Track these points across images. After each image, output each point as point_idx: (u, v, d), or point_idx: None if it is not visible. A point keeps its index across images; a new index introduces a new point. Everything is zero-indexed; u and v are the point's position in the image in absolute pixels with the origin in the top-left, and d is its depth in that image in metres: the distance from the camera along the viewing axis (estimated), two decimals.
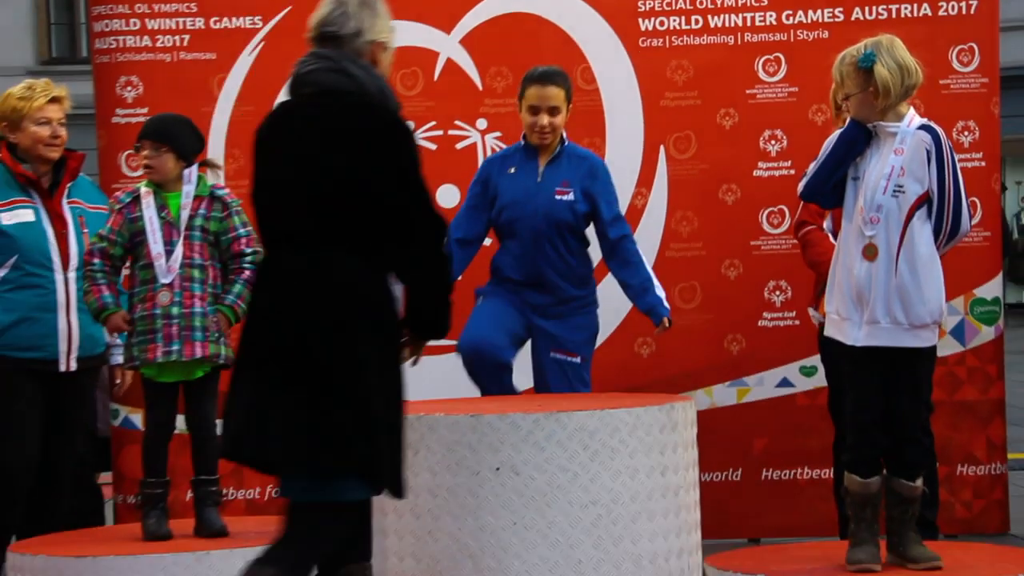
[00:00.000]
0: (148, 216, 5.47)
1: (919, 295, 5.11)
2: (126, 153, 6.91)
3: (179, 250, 5.46)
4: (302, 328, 4.09)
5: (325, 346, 4.09)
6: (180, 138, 5.60)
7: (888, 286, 5.09)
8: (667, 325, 6.19)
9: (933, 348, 5.26)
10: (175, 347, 5.42)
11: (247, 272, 5.52)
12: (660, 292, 6.21)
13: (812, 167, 5.30)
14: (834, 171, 5.21)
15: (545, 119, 6.14)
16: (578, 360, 6.22)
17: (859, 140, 5.16)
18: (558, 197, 6.15)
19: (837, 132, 5.25)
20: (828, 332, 5.30)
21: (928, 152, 5.14)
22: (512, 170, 6.22)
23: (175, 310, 5.42)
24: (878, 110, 5.12)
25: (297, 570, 4.16)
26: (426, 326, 4.32)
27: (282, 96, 4.61)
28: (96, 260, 5.45)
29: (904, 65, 5.08)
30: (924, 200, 5.12)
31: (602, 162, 6.36)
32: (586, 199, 6.17)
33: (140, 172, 6.54)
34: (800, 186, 5.36)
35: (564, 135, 6.27)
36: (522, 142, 6.29)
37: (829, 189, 5.26)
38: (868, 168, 5.16)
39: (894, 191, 5.10)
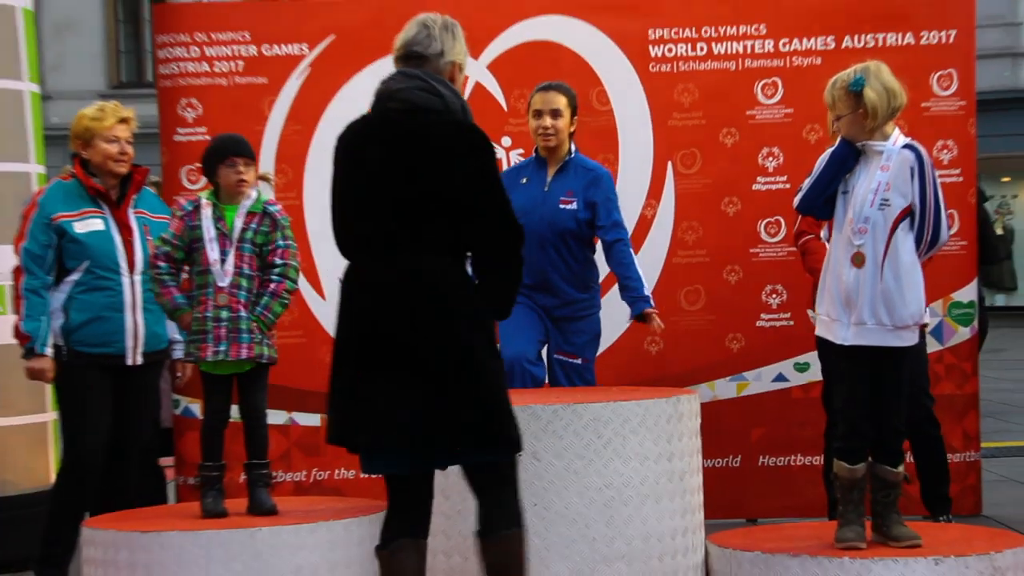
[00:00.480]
0: (206, 226, 5.47)
1: (902, 299, 5.10)
2: (186, 168, 6.95)
3: (231, 260, 5.47)
4: (417, 325, 4.07)
5: (444, 339, 4.08)
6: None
7: (874, 291, 5.08)
8: (652, 319, 6.12)
9: (915, 347, 5.25)
10: (223, 347, 5.42)
11: (273, 284, 5.51)
12: (646, 291, 6.15)
13: (807, 182, 5.29)
14: (827, 186, 5.20)
15: (548, 120, 6.13)
16: (579, 362, 6.21)
17: (849, 158, 5.15)
18: (562, 206, 6.14)
19: (829, 150, 5.24)
20: (819, 332, 5.29)
21: (912, 169, 5.12)
22: (524, 180, 6.20)
23: (224, 313, 5.42)
24: (867, 130, 5.11)
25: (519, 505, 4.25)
26: (498, 317, 4.33)
27: (350, 108, 4.55)
28: (162, 263, 5.44)
29: (891, 88, 5.07)
30: (907, 213, 5.11)
31: (607, 173, 6.32)
32: (588, 207, 6.15)
33: (200, 184, 6.60)
34: (796, 199, 5.35)
35: (574, 147, 6.24)
36: (535, 155, 6.29)
37: (822, 203, 5.25)
38: (857, 183, 5.15)
39: (881, 204, 5.08)
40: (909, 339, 5.17)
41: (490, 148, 4.22)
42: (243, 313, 5.44)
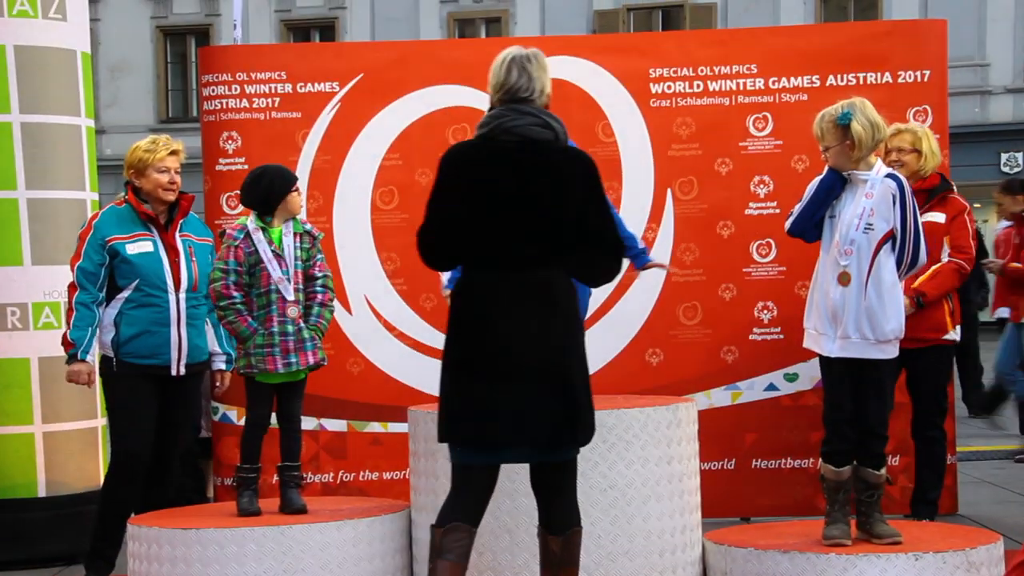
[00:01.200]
0: (262, 249, 5.45)
1: (884, 315, 5.07)
2: (227, 194, 6.93)
3: (291, 276, 5.47)
4: (537, 332, 4.20)
5: (563, 346, 4.24)
6: None
7: (859, 307, 5.05)
8: (657, 265, 5.90)
9: (894, 360, 5.20)
10: (293, 359, 5.42)
11: (319, 295, 5.54)
12: (640, 245, 5.86)
13: (797, 208, 5.25)
14: (816, 212, 5.18)
15: None
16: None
17: (836, 185, 5.12)
18: None
19: (818, 178, 5.20)
20: (807, 344, 5.25)
21: (893, 196, 5.11)
22: None
23: (291, 327, 5.42)
24: (853, 160, 5.09)
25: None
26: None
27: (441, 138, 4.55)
28: (236, 293, 5.41)
29: (875, 122, 5.06)
30: (889, 236, 5.08)
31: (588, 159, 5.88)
32: None
33: (239, 210, 6.59)
34: (787, 223, 5.32)
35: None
36: None
37: (811, 226, 5.21)
38: (843, 208, 5.13)
39: (865, 228, 5.06)
40: (890, 352, 5.13)
41: (596, 170, 4.33)
42: (301, 324, 5.44)
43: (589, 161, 4.33)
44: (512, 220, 4.21)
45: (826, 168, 5.16)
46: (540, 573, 4.43)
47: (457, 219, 4.24)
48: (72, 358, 5.63)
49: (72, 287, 5.66)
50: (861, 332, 5.06)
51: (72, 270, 5.67)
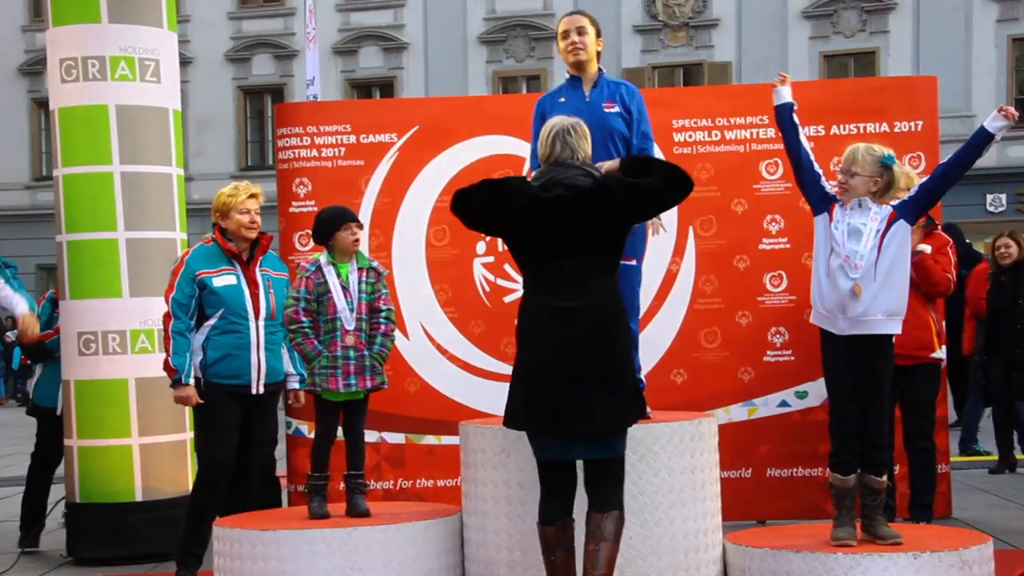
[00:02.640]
0: (331, 281, 5.46)
1: (890, 292, 5.04)
2: (299, 233, 6.96)
3: (355, 307, 5.47)
4: (596, 338, 4.41)
5: (618, 347, 4.46)
6: None
7: (868, 295, 5.01)
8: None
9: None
10: (352, 381, 5.42)
11: (383, 326, 5.53)
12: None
13: None
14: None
15: (575, 36, 5.38)
16: (634, 263, 5.40)
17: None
18: (607, 110, 5.37)
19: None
20: (814, 320, 5.17)
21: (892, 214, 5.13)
22: (562, 99, 5.42)
23: (352, 352, 5.42)
24: (870, 193, 5.05)
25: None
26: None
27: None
28: (304, 319, 5.42)
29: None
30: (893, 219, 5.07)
31: (635, 87, 5.63)
32: (627, 113, 5.42)
33: (309, 247, 6.61)
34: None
35: (601, 68, 5.50)
36: (567, 77, 5.52)
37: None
38: (847, 227, 5.06)
39: (873, 247, 5.03)
40: (895, 327, 5.07)
41: (619, 180, 4.53)
42: (364, 351, 5.44)
43: (618, 181, 4.51)
44: (572, 250, 4.43)
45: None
46: (585, 546, 4.53)
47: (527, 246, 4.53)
48: (176, 383, 5.62)
49: (167, 317, 5.68)
50: (869, 312, 5.01)
51: (167, 301, 5.69)
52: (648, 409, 4.91)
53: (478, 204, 4.51)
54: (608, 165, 5.01)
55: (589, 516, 4.53)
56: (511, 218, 4.49)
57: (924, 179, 5.23)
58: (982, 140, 5.12)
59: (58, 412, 6.89)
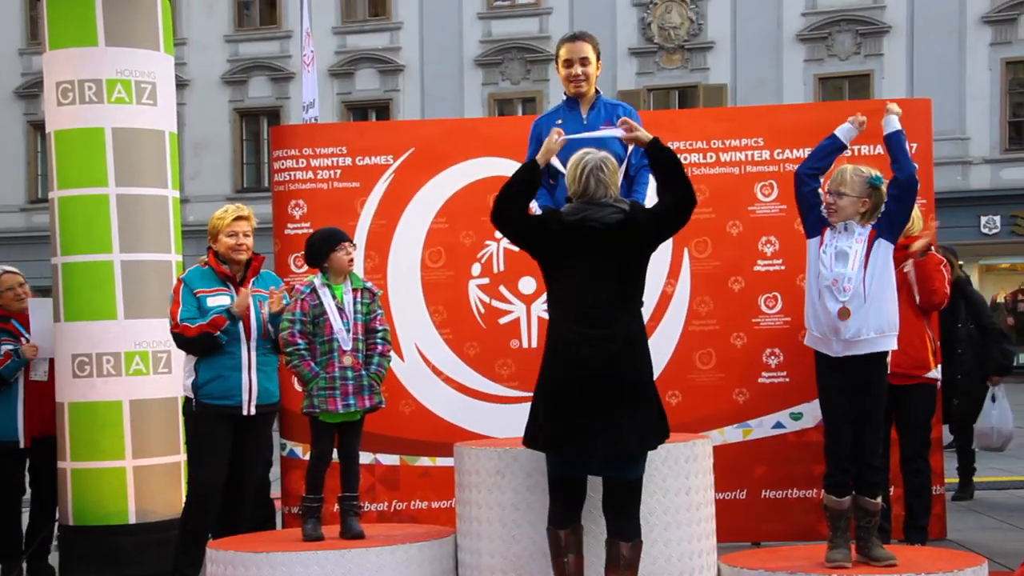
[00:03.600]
0: (327, 303, 5.47)
1: (880, 309, 5.09)
2: (294, 255, 6.96)
3: (351, 328, 5.46)
4: (621, 358, 4.58)
5: (642, 375, 4.66)
6: None
7: (858, 315, 5.03)
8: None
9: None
10: (351, 401, 5.43)
11: (379, 347, 5.55)
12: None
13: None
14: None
15: (578, 68, 5.39)
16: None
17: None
18: (604, 134, 5.22)
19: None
20: (809, 342, 5.20)
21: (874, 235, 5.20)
22: (560, 122, 5.37)
23: (350, 373, 5.42)
24: (857, 215, 5.09)
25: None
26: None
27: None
28: (300, 341, 5.43)
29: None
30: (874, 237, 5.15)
31: (632, 108, 5.65)
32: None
33: (304, 269, 6.60)
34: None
35: (598, 89, 5.55)
36: (564, 99, 5.53)
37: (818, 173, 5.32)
38: (835, 251, 5.09)
39: (860, 267, 5.07)
40: (891, 343, 5.09)
41: (646, 215, 4.73)
42: (362, 371, 5.43)
43: (642, 210, 4.75)
44: (604, 285, 4.63)
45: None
46: (607, 573, 4.66)
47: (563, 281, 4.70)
48: (222, 320, 5.63)
49: (176, 329, 5.68)
50: (861, 333, 5.03)
51: (173, 317, 5.72)
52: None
53: (516, 230, 4.78)
54: (636, 135, 4.90)
55: (611, 543, 4.66)
56: (546, 244, 4.71)
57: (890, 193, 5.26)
58: (838, 148, 5.36)
59: (21, 445, 6.80)
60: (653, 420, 4.67)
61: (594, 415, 4.54)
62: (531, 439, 4.71)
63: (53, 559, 6.92)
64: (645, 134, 4.90)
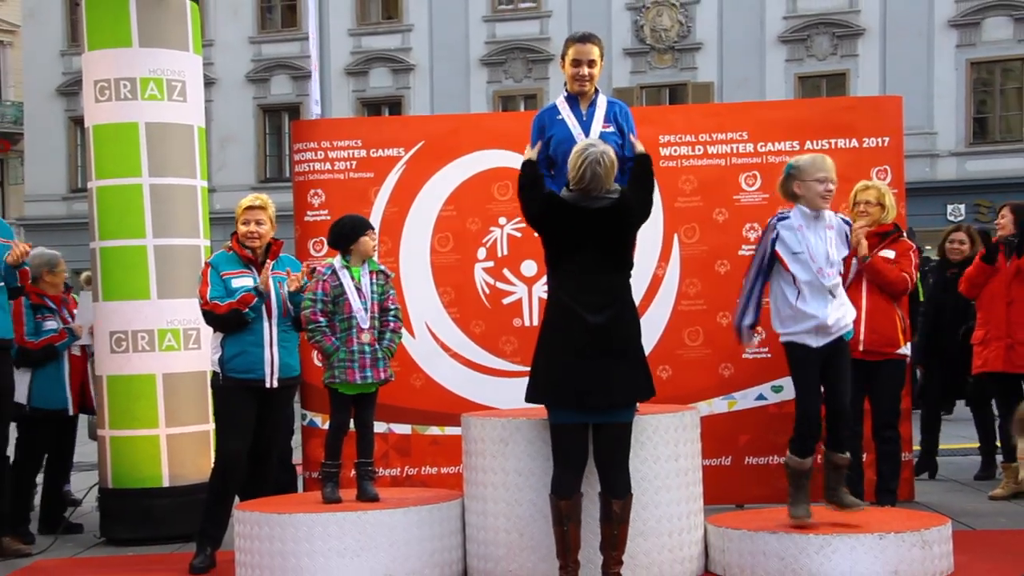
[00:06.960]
0: (347, 284, 5.47)
1: (849, 310, 5.20)
2: (313, 240, 6.96)
3: (368, 307, 5.46)
4: (614, 319, 4.63)
5: (632, 332, 4.71)
6: None
7: (839, 310, 5.06)
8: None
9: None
10: (368, 373, 5.43)
11: (392, 324, 5.56)
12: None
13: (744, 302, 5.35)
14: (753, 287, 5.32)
15: (585, 70, 5.31)
16: None
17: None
18: (603, 130, 5.31)
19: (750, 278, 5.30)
20: (788, 339, 5.21)
21: (845, 234, 5.28)
22: (560, 116, 5.36)
23: (367, 348, 5.43)
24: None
25: None
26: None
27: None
28: (322, 319, 5.43)
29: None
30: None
31: (626, 105, 5.60)
32: (619, 133, 5.35)
33: (323, 252, 6.60)
34: (743, 320, 5.41)
35: (597, 88, 5.47)
36: (565, 94, 5.44)
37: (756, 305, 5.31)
38: (810, 243, 5.11)
39: (839, 252, 5.12)
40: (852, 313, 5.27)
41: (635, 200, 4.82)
42: (376, 346, 5.44)
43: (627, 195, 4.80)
44: (596, 249, 4.68)
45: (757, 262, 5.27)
46: (600, 528, 4.66)
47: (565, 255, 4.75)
48: (250, 297, 5.61)
49: (207, 307, 5.66)
50: (838, 325, 5.07)
51: (202, 297, 5.69)
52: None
53: (533, 212, 4.82)
54: (639, 147, 5.07)
55: (604, 500, 4.66)
56: (552, 224, 4.75)
57: None
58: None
59: (70, 412, 6.90)
60: (641, 376, 4.70)
61: (589, 364, 4.57)
62: (532, 393, 4.72)
63: (91, 519, 6.92)
64: (641, 149, 5.03)
